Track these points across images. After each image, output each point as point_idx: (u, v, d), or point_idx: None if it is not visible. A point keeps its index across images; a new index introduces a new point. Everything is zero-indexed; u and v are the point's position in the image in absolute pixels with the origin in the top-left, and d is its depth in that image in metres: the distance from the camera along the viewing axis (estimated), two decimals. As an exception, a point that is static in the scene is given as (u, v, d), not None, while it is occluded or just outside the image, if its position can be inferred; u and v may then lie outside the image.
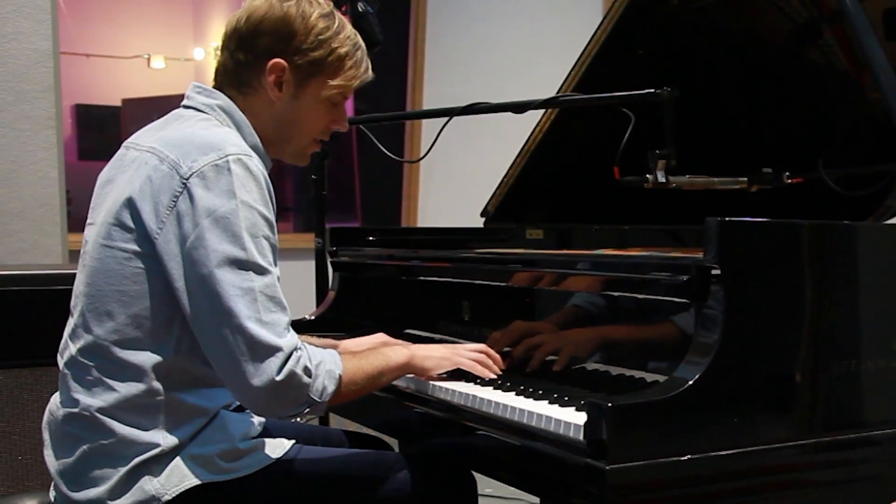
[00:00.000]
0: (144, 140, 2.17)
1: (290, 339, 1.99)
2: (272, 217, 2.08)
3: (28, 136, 4.19)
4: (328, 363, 2.06)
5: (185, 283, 2.00)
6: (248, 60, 2.23)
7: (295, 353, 1.98)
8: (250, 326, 1.95)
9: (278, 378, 1.95)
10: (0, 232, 4.12)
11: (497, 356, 2.39)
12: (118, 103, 7.15)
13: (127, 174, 2.12)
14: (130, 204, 2.05)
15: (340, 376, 2.07)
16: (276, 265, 2.06)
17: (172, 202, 2.01)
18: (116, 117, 7.06)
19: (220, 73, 2.29)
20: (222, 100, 2.23)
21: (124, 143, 2.23)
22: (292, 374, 1.96)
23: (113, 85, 7.14)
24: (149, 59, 7.35)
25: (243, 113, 2.23)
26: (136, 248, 2.05)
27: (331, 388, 2.05)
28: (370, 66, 2.33)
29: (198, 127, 2.16)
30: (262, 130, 2.25)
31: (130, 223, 2.05)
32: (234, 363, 1.96)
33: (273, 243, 2.06)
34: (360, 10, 3.18)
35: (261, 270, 1.99)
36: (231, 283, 1.96)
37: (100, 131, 7.02)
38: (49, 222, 4.22)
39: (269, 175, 2.14)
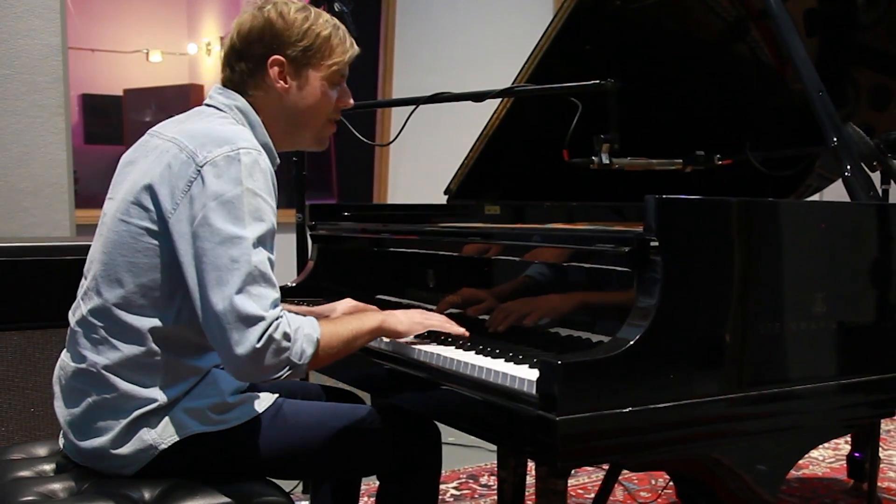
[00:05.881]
0: (168, 130, 2.15)
1: (274, 312, 1.96)
2: (273, 206, 2.06)
3: (39, 122, 4.16)
4: (306, 328, 2.03)
5: (191, 258, 1.97)
6: (249, 68, 2.23)
7: (276, 321, 1.95)
8: (238, 299, 1.91)
9: (258, 345, 1.91)
10: (14, 208, 4.09)
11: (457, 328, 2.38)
12: (120, 93, 7.05)
13: (149, 159, 2.10)
14: (150, 189, 2.04)
15: (318, 340, 2.04)
16: (271, 250, 2.02)
17: (187, 186, 1.99)
18: (118, 105, 6.97)
19: (228, 86, 2.27)
20: (240, 101, 2.23)
21: (149, 131, 2.22)
22: (271, 340, 1.93)
23: (115, 76, 7.05)
24: (147, 54, 7.26)
25: (257, 114, 2.23)
26: (151, 226, 2.03)
27: (309, 350, 2.02)
28: (354, 42, 2.34)
29: (216, 123, 2.15)
30: (275, 127, 2.26)
31: (149, 205, 2.03)
32: (222, 332, 1.92)
33: (271, 228, 2.03)
34: (337, 10, 3.18)
35: (256, 250, 1.96)
36: (229, 258, 1.93)
37: (104, 118, 6.94)
38: (58, 200, 4.19)
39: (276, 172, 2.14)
